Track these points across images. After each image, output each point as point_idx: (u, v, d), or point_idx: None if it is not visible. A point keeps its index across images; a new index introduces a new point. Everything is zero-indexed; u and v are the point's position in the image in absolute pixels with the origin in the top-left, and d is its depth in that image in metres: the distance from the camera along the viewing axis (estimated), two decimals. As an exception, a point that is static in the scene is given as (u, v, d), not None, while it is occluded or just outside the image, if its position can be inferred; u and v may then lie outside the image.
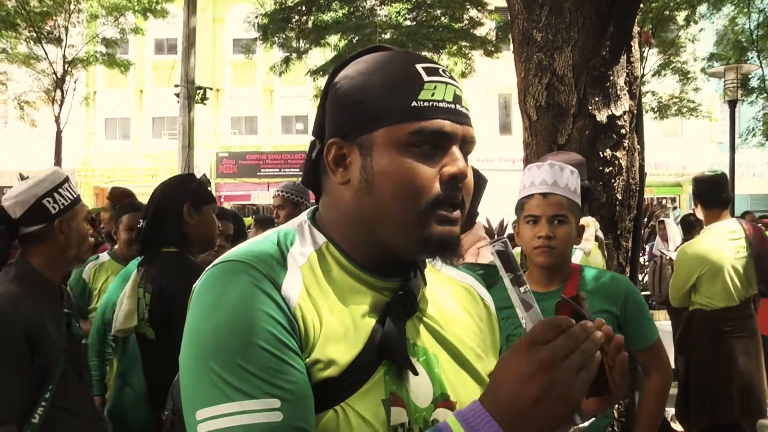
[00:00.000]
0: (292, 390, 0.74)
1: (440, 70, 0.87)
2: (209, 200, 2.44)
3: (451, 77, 0.88)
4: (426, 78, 0.84)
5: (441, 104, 0.83)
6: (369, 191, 0.84)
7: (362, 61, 0.89)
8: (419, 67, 0.85)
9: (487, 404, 0.73)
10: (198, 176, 2.53)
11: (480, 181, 2.21)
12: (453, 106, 0.84)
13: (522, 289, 0.79)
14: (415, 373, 0.84)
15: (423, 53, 11.96)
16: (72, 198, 1.96)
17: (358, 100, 0.85)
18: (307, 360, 0.78)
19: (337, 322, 0.82)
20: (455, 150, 0.84)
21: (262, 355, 0.74)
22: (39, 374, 1.74)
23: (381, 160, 0.83)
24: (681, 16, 13.58)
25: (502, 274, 0.80)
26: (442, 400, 0.87)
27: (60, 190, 1.92)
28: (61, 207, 1.91)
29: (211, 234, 2.43)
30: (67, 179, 1.98)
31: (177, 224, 2.34)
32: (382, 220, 0.84)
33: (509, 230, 6.43)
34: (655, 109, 15.06)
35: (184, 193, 2.37)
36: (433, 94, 0.83)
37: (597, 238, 2.44)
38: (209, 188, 2.49)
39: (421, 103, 0.83)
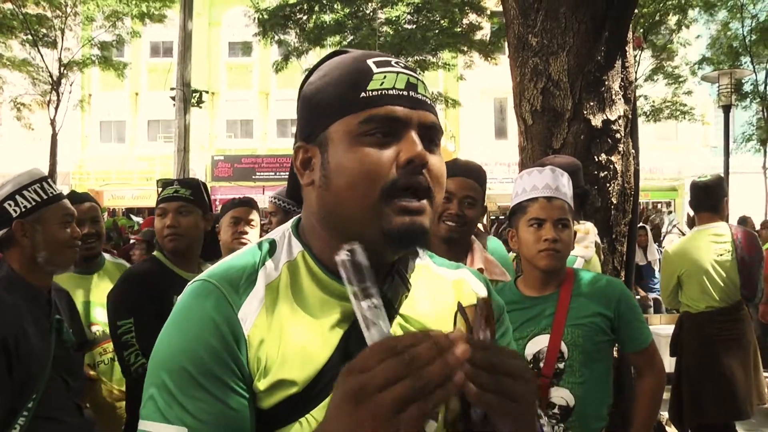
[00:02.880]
0: (207, 422, 0.76)
1: (392, 62, 0.87)
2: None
3: (407, 68, 0.87)
4: (375, 70, 0.84)
5: (391, 92, 0.83)
6: (327, 186, 0.83)
7: (322, 67, 0.90)
8: (370, 61, 0.86)
9: None
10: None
11: (479, 174, 2.17)
12: (405, 92, 0.83)
13: (365, 305, 0.68)
14: None
15: (422, 56, 11.99)
16: (39, 199, 1.82)
17: (315, 102, 0.87)
18: (264, 381, 0.79)
19: (301, 339, 0.81)
20: (412, 135, 0.82)
21: (187, 381, 0.77)
22: (19, 383, 1.66)
23: (336, 153, 0.83)
24: (672, 21, 13.67)
25: (347, 286, 0.71)
26: None
27: (25, 191, 1.81)
28: (23, 209, 1.80)
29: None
30: (39, 180, 1.85)
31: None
32: (343, 214, 0.83)
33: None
34: (648, 113, 15.14)
35: None
36: (382, 83, 0.83)
37: (595, 244, 2.45)
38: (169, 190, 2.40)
39: (370, 92, 0.82)
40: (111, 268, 2.74)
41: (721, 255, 3.56)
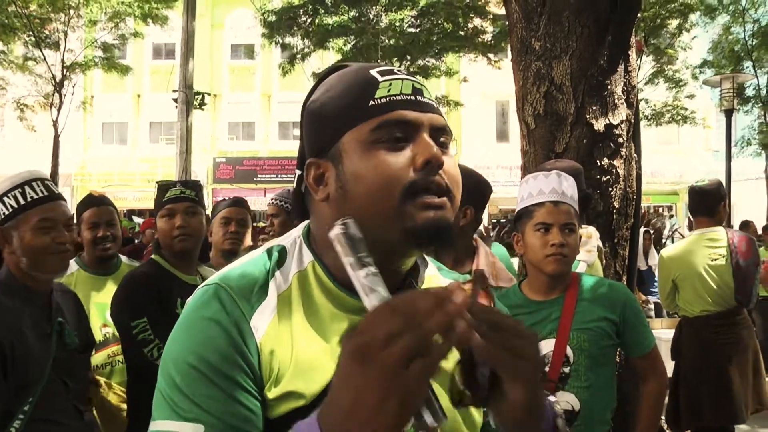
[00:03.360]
0: (220, 418, 0.76)
1: (395, 70, 0.88)
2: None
3: (409, 75, 0.88)
4: (380, 78, 0.85)
5: (399, 97, 0.83)
6: (345, 197, 0.83)
7: (324, 82, 0.91)
8: (373, 71, 0.87)
9: (320, 410, 0.64)
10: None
11: (484, 188, 2.18)
12: (413, 97, 0.84)
13: (362, 273, 0.68)
14: None
15: (426, 60, 12.06)
16: (16, 205, 1.78)
17: (323, 116, 0.87)
18: (274, 391, 0.79)
19: (310, 352, 0.81)
20: (425, 137, 0.82)
21: (198, 379, 0.77)
22: (14, 386, 1.64)
23: (351, 163, 0.82)
24: (673, 24, 13.69)
25: (343, 258, 0.70)
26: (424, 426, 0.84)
27: (5, 198, 1.79)
28: (2, 216, 1.79)
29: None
30: (21, 184, 1.80)
31: None
32: (363, 222, 0.80)
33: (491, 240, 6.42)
34: (649, 117, 15.15)
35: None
36: (389, 90, 0.84)
37: (597, 248, 2.46)
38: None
39: (379, 100, 0.83)
40: (127, 271, 2.72)
41: (715, 260, 3.57)
